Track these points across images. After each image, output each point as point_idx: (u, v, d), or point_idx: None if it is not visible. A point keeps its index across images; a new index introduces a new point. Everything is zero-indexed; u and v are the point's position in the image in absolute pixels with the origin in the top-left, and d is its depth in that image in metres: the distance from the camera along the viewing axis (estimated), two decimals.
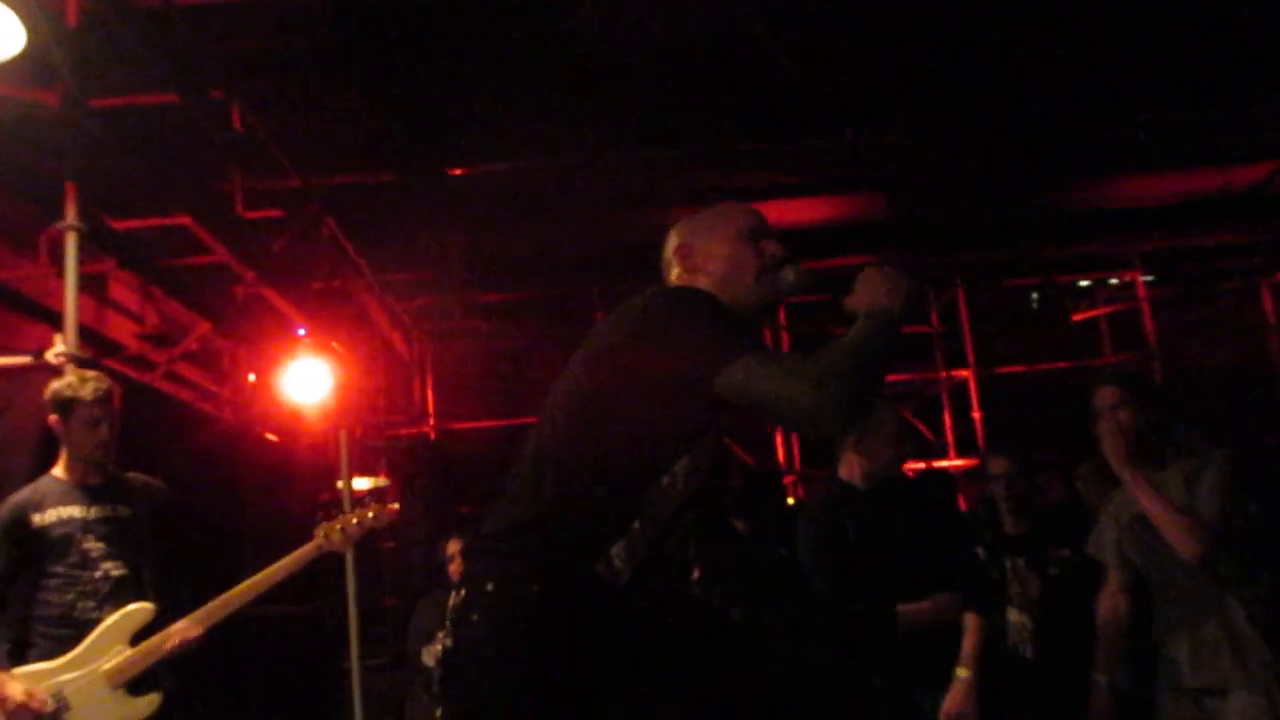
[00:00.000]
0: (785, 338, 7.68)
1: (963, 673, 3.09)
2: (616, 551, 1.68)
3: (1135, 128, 6.43)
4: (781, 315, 7.71)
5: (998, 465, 3.46)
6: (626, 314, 1.76)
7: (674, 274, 1.94)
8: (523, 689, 1.60)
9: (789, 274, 1.91)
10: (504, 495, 1.76)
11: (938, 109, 6.30)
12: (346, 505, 4.04)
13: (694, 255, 1.90)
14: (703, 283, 1.87)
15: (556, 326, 7.54)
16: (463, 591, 1.68)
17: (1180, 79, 5.89)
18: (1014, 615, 3.32)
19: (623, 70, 5.60)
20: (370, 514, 3.24)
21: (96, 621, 2.92)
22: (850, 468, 3.36)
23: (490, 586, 1.66)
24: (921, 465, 7.68)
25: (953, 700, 3.07)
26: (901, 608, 3.20)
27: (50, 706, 2.87)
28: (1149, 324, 7.70)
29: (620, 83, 5.66)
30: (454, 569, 4.26)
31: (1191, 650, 2.62)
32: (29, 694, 2.84)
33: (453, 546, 4.29)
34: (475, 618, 1.64)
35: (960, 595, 3.21)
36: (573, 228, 7.25)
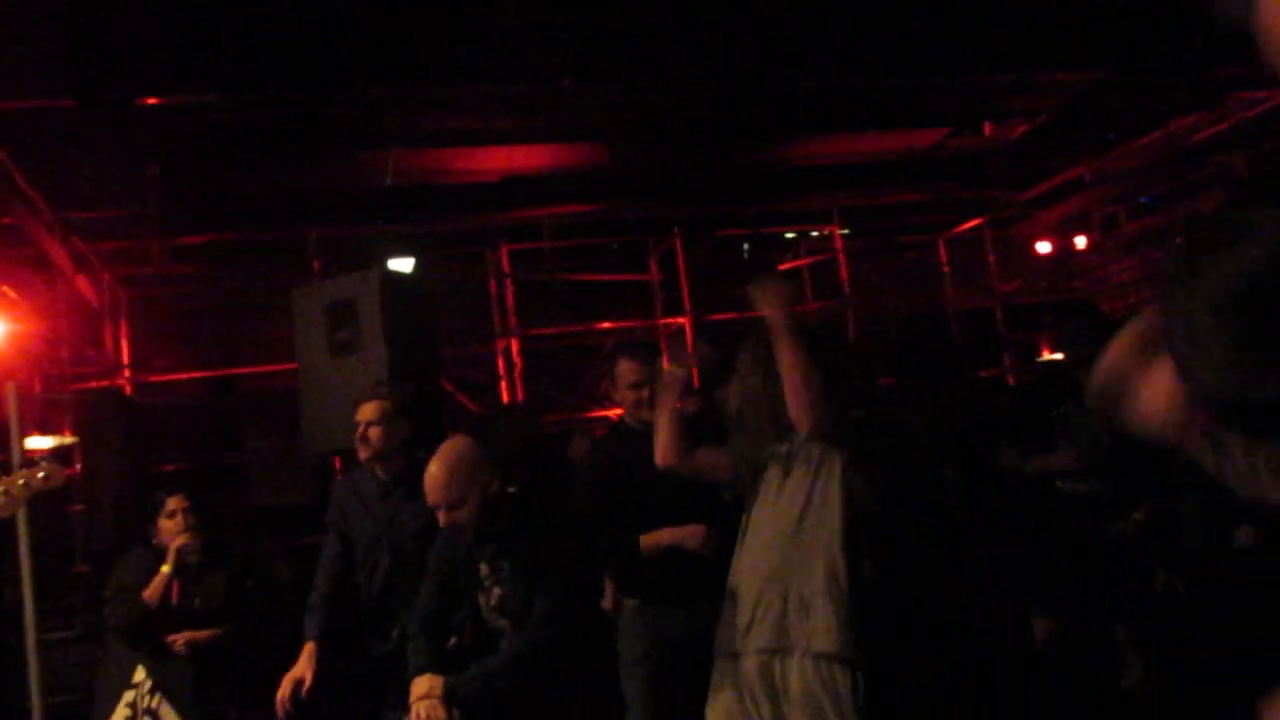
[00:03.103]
0: (510, 286, 7.72)
1: None
2: None
3: (811, 93, 6.88)
4: (505, 261, 7.73)
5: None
6: None
7: None
8: None
9: None
10: None
11: (654, 63, 6.47)
12: (15, 466, 3.68)
13: None
14: None
15: (269, 272, 7.16)
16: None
17: (870, 49, 6.36)
18: None
19: (340, 4, 5.35)
20: (40, 474, 2.98)
21: None
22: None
23: None
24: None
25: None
26: (644, 537, 3.42)
27: None
28: (844, 273, 8.35)
29: (337, 17, 5.41)
30: (171, 526, 4.02)
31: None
32: None
33: (174, 502, 4.03)
34: None
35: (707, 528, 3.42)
36: (287, 167, 6.89)
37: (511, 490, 3.06)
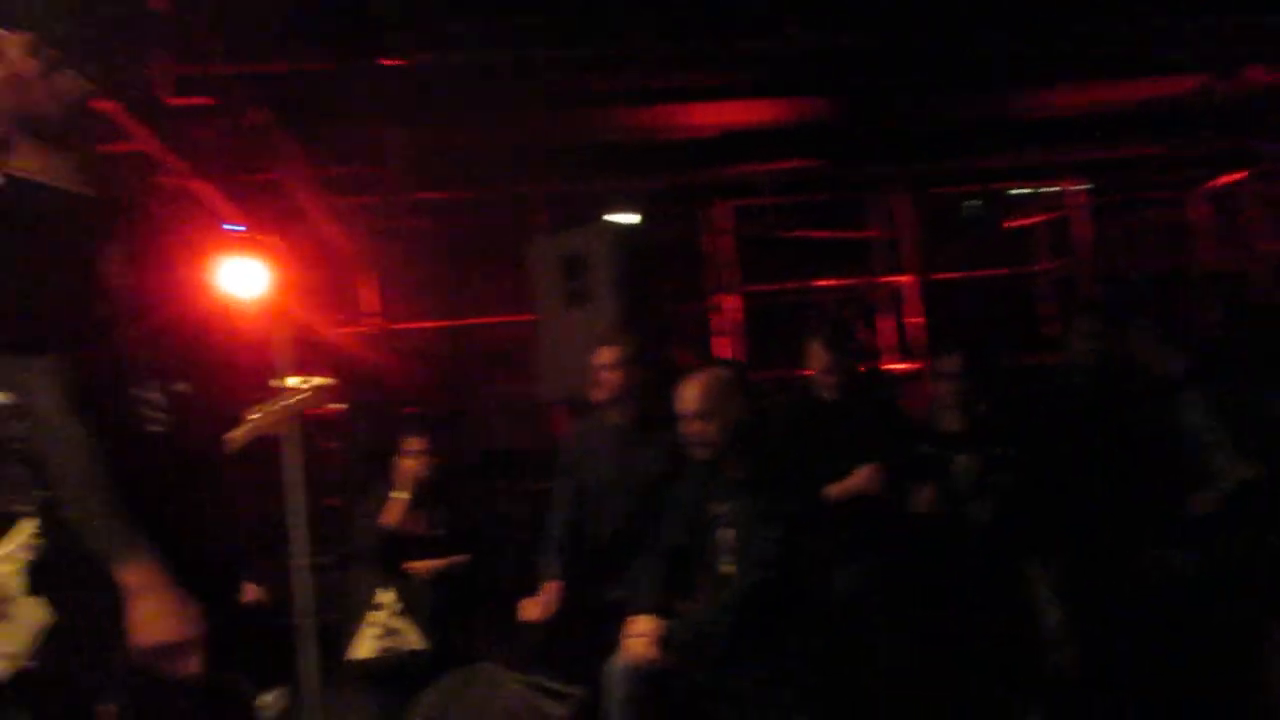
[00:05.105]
0: (728, 242, 7.69)
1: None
2: None
3: (1072, 38, 6.45)
4: (725, 218, 7.71)
5: (947, 364, 3.57)
6: None
7: None
8: None
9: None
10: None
11: (883, 12, 6.24)
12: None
13: None
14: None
15: (500, 227, 7.45)
16: None
17: None
18: (959, 505, 3.47)
19: None
20: (306, 395, 3.17)
21: None
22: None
23: None
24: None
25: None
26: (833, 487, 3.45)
27: None
28: (1081, 231, 7.85)
29: None
30: (412, 465, 4.27)
31: None
32: None
33: (414, 443, 4.28)
34: None
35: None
36: (515, 125, 7.11)
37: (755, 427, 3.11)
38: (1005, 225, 8.16)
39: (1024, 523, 3.41)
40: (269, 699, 1.64)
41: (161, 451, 1.77)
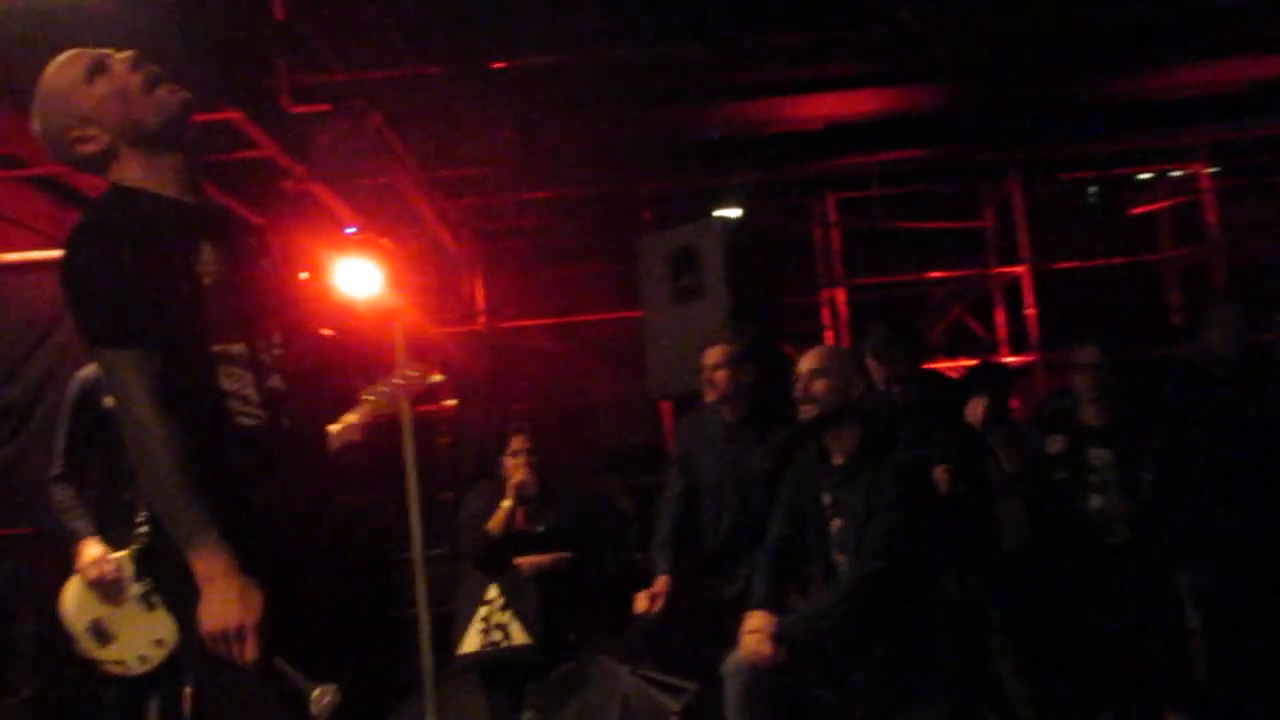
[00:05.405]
0: (836, 235, 7.58)
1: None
2: None
3: (1198, 14, 6.16)
4: (832, 210, 7.60)
5: (1086, 354, 3.44)
6: None
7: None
8: None
9: None
10: None
11: None
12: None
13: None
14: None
15: (604, 224, 7.49)
16: None
17: None
18: (1096, 503, 3.34)
19: None
20: (414, 373, 3.19)
21: None
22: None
23: None
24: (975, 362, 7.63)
25: None
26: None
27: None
28: (1211, 217, 7.49)
29: None
30: (514, 463, 4.32)
31: None
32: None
33: (517, 443, 4.33)
34: None
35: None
36: (618, 123, 7.15)
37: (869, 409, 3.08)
38: (1129, 212, 7.83)
39: (1166, 520, 3.26)
40: (318, 693, 1.62)
41: (256, 445, 1.82)
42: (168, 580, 1.81)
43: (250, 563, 1.72)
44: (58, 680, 4.23)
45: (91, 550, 3.30)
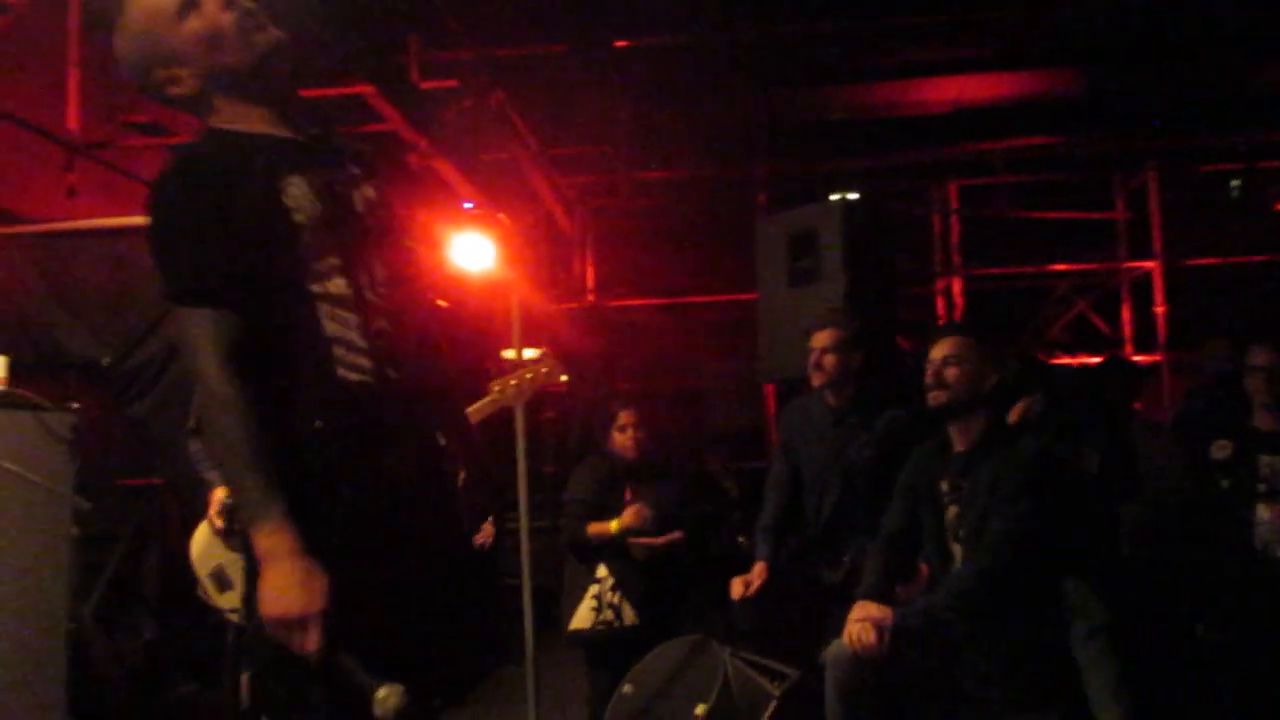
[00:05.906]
0: (956, 222, 7.38)
1: None
2: None
3: None
4: (953, 197, 7.40)
5: (1261, 356, 3.27)
6: None
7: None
8: None
9: None
10: None
11: None
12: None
13: None
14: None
15: (717, 206, 7.45)
16: None
17: None
18: (1264, 513, 3.19)
19: None
20: (543, 369, 3.24)
21: None
22: None
23: None
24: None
25: None
26: None
27: None
28: None
29: None
30: (622, 439, 4.32)
31: None
32: None
33: (625, 417, 4.32)
34: None
35: None
36: (735, 104, 7.09)
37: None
38: (1275, 207, 7.40)
39: None
40: (384, 694, 1.42)
41: (360, 408, 1.67)
42: (246, 545, 1.63)
43: (331, 541, 1.57)
44: (176, 625, 4.44)
45: (221, 498, 3.45)
